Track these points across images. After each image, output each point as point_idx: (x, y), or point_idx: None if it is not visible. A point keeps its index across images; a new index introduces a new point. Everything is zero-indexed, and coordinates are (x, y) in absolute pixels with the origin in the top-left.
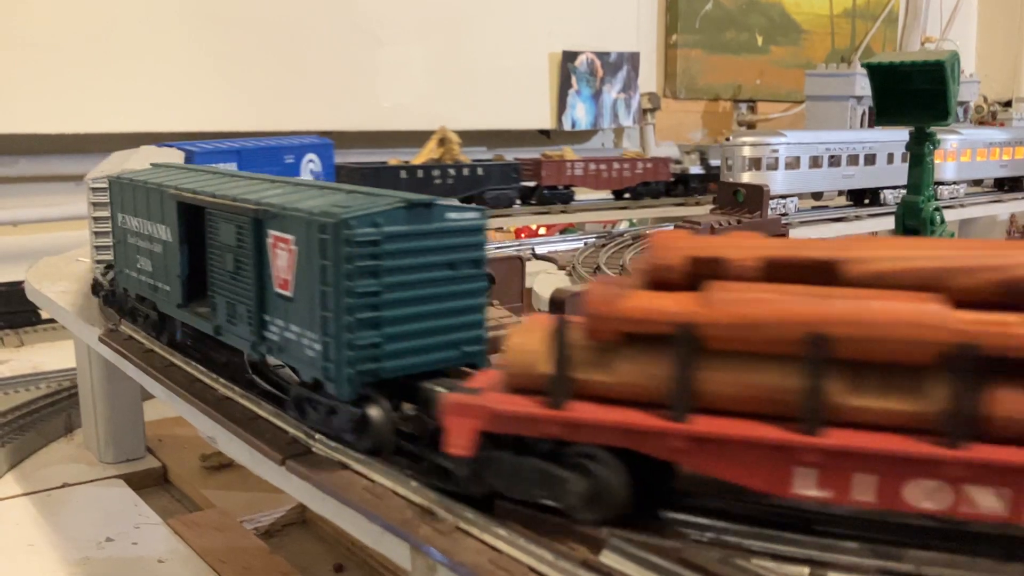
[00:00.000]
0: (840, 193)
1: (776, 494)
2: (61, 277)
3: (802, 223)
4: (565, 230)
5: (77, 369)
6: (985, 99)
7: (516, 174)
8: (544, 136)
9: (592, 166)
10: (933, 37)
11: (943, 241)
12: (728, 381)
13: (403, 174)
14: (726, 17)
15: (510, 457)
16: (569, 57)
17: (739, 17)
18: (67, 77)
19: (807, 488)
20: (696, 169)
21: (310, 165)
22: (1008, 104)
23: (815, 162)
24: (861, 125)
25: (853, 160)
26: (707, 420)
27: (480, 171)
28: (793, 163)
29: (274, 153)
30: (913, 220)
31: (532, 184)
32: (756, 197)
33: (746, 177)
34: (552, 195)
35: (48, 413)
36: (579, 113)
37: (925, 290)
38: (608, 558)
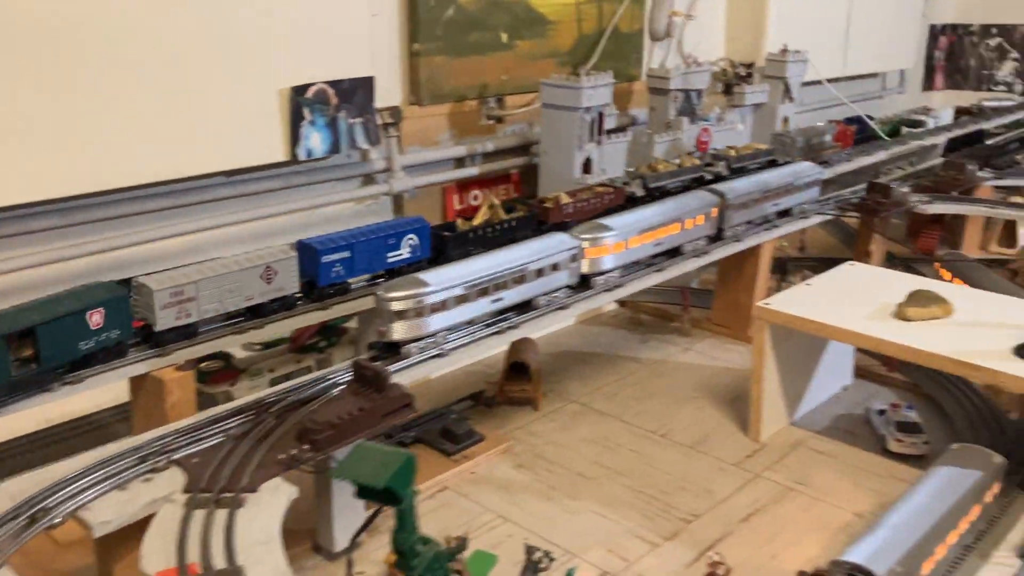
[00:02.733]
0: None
1: None
2: None
3: (454, 348)
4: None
5: None
6: (732, 63)
7: None
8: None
9: None
10: (680, 12)
11: None
12: None
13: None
14: (468, 20)
15: None
16: (299, 91)
17: (482, 18)
18: None
19: None
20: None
21: (410, 242)
22: (751, 66)
23: (462, 300)
24: (591, 132)
25: (501, 286)
26: None
27: None
28: (440, 306)
29: (382, 241)
30: (402, 545)
31: None
32: (380, 380)
33: (397, 327)
34: None
35: None
36: (314, 143)
37: None
38: None
